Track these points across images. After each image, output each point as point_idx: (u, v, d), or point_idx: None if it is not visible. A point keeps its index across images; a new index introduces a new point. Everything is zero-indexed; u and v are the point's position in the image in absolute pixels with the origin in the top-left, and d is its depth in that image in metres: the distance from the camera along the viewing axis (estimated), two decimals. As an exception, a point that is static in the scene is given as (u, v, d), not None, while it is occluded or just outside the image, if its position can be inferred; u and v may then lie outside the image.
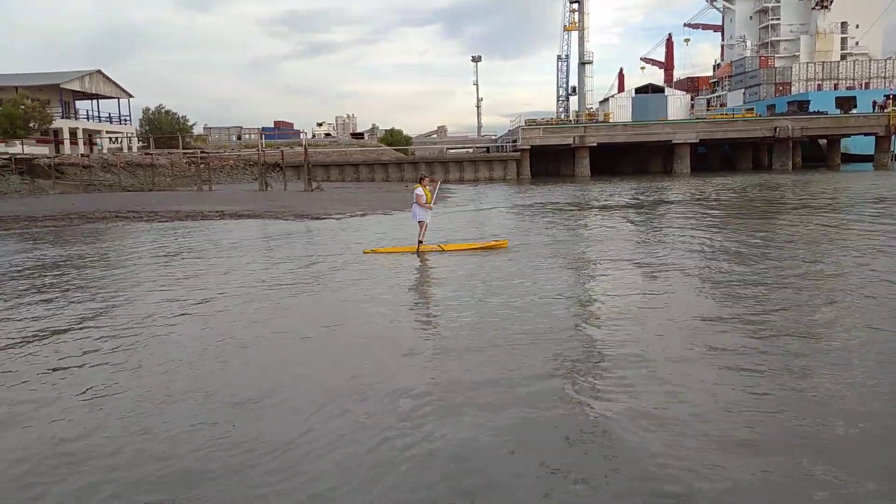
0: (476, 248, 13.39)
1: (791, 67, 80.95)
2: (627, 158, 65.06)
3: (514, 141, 59.55)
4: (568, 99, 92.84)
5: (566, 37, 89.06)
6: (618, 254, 12.50)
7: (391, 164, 56.80)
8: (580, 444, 4.37)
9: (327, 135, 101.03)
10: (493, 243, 13.71)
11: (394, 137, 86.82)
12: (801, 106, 67.39)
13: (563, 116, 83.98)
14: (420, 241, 13.30)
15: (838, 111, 64.90)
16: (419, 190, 13.36)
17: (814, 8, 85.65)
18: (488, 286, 9.63)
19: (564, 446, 4.35)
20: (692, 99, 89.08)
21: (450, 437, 4.52)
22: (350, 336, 7.18)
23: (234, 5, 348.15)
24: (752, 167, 63.12)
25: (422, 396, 5.26)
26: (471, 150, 76.73)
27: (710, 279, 9.82)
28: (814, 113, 62.59)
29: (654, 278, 10.14)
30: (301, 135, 77.89)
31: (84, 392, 5.60)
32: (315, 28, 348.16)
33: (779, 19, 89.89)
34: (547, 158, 62.34)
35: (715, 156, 67.41)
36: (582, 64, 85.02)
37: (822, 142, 64.27)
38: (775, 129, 56.68)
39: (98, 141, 58.52)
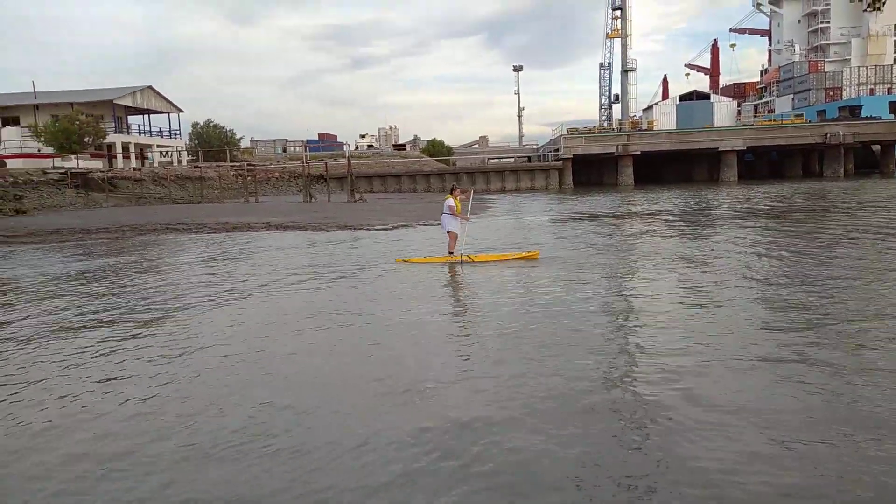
0: (506, 259, 13.47)
1: (842, 72, 79.10)
2: (672, 167, 64.31)
3: (556, 150, 59.44)
4: (611, 107, 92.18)
5: (608, 44, 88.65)
6: (654, 268, 12.21)
7: (433, 175, 57.35)
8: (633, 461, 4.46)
9: (370, 146, 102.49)
10: (523, 254, 13.73)
11: (435, 148, 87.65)
12: (853, 111, 65.67)
13: (605, 125, 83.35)
14: (450, 252, 13.53)
15: (892, 116, 63.12)
16: (450, 201, 13.59)
17: (865, 10, 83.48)
18: (515, 298, 9.75)
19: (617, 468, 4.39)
20: (739, 105, 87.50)
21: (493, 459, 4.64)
22: (383, 349, 7.43)
23: (277, 20, 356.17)
24: (802, 174, 61.80)
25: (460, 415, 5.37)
26: (512, 160, 76.87)
27: (762, 301, 9.17)
28: (866, 118, 61.02)
29: (695, 299, 9.45)
30: (344, 147, 79.28)
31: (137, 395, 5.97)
32: (357, 41, 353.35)
33: (828, 22, 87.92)
34: (590, 167, 62.01)
35: (763, 163, 66.15)
36: (625, 71, 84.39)
37: (876, 148, 62.54)
38: (826, 135, 55.38)
39: (149, 155, 60.54)
